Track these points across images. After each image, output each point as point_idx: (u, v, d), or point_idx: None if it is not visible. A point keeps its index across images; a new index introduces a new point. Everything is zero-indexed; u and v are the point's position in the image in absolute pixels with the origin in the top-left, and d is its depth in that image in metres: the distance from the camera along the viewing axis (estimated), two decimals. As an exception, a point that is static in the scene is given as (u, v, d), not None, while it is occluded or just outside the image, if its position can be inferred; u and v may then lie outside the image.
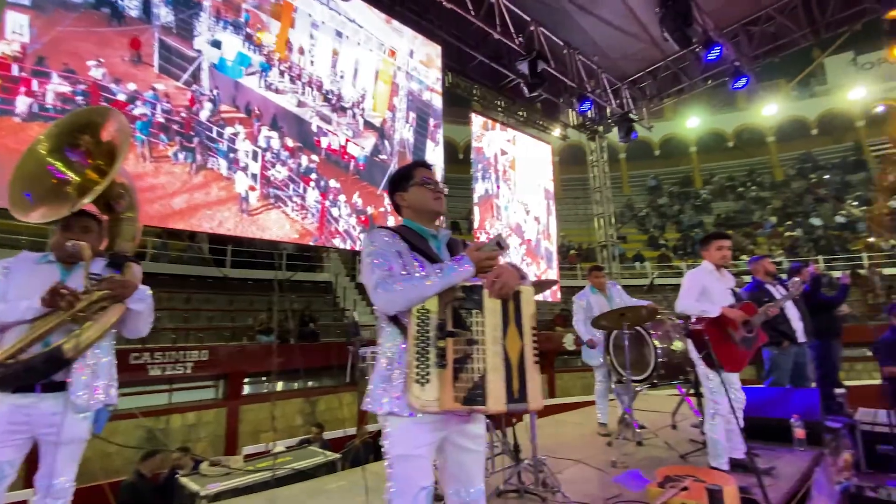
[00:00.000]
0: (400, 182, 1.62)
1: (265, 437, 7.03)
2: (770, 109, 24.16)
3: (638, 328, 3.81)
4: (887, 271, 14.37)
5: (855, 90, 23.27)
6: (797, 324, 3.99)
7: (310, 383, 8.69)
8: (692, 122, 26.01)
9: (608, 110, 8.50)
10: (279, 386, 8.33)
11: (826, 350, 4.30)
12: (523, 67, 6.10)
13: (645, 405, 5.20)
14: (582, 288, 4.52)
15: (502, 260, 1.45)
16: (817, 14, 6.28)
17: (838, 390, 4.37)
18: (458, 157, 22.63)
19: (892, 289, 13.30)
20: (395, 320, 1.41)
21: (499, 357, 1.31)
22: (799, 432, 3.24)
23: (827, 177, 22.69)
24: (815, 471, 2.92)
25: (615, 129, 9.58)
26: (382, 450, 1.40)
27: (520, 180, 8.53)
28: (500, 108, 8.00)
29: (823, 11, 6.24)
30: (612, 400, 4.38)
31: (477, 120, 7.34)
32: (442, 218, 1.67)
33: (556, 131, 9.56)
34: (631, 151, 27.91)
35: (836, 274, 5.04)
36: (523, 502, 2.51)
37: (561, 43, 6.83)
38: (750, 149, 26.27)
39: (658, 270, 16.19)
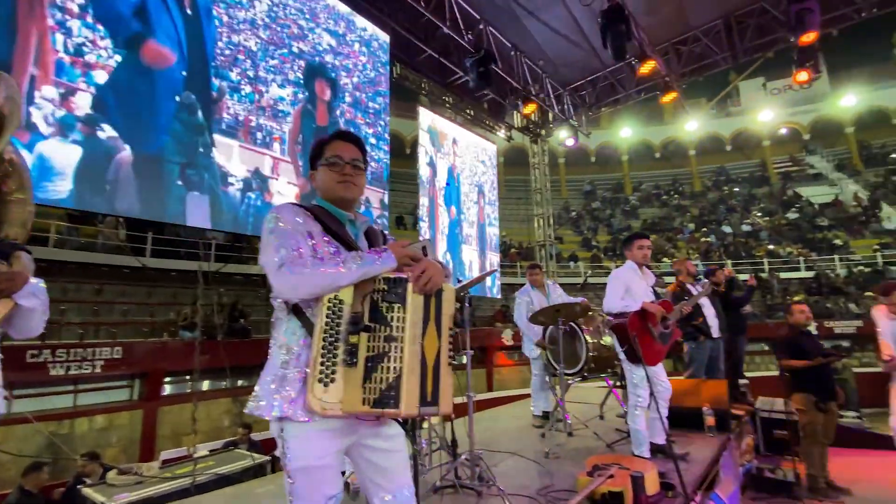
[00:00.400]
0: (312, 159, 1.47)
1: (188, 441, 6.54)
2: (692, 125, 26.51)
3: (572, 324, 3.98)
4: (783, 275, 16.29)
5: (763, 112, 26.11)
6: (713, 321, 4.38)
7: (240, 382, 8.21)
8: (625, 133, 27.86)
9: (550, 115, 8.80)
10: (205, 385, 7.78)
11: (733, 345, 4.75)
12: (471, 65, 6.14)
13: (577, 397, 5.47)
14: (523, 285, 4.66)
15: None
16: (736, 40, 6.93)
17: (742, 381, 4.85)
18: (405, 151, 22.43)
19: (786, 291, 15.10)
20: (298, 311, 1.27)
21: (416, 357, 1.21)
22: (710, 419, 3.55)
23: (737, 189, 25.22)
24: (723, 454, 3.21)
25: (557, 134, 10.01)
26: (281, 461, 1.24)
27: (465, 178, 8.63)
28: (447, 105, 8.00)
29: (742, 38, 6.89)
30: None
31: (425, 114, 7.29)
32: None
33: (502, 132, 9.76)
34: (569, 157, 29.26)
35: (743, 277, 5.60)
36: (459, 497, 2.51)
37: (508, 44, 6.95)
38: (674, 160, 28.60)
39: (591, 270, 17.11)
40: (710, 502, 2.67)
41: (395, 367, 1.17)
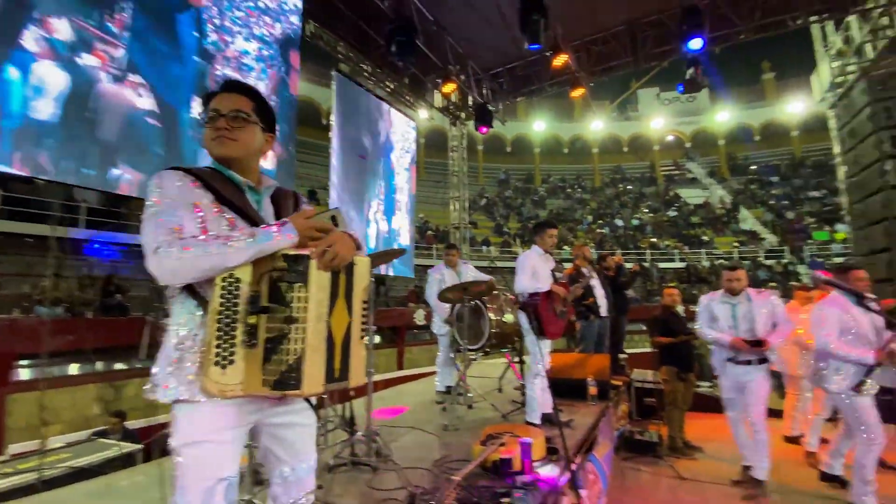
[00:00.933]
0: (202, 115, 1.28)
1: (52, 431, 5.64)
2: (596, 125, 28.83)
3: (477, 301, 4.09)
4: (661, 265, 18.57)
5: (656, 120, 29.15)
6: (602, 301, 4.81)
7: (116, 365, 7.24)
8: (538, 126, 29.31)
9: (471, 99, 8.86)
10: (73, 369, 6.74)
11: (617, 323, 5.28)
12: (391, 32, 5.89)
13: (478, 371, 5.70)
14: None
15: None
16: (639, 46, 7.54)
17: (622, 355, 5.43)
18: (322, 122, 21.26)
19: (662, 278, 17.25)
20: (191, 290, 1.13)
21: (321, 336, 1.13)
22: (592, 390, 3.91)
23: (630, 187, 28.04)
24: (601, 420, 3.56)
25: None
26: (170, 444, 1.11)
27: (396, 141, 8.37)
28: (367, 74, 7.63)
29: (644, 44, 7.52)
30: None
31: (342, 81, 6.87)
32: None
33: (424, 112, 9.64)
34: (487, 145, 30.09)
35: (629, 264, 6.28)
36: (355, 473, 2.47)
37: (432, 18, 6.80)
38: (580, 156, 30.86)
39: (501, 254, 17.93)
40: (589, 463, 2.94)
41: (296, 349, 1.08)
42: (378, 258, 2.93)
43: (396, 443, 3.02)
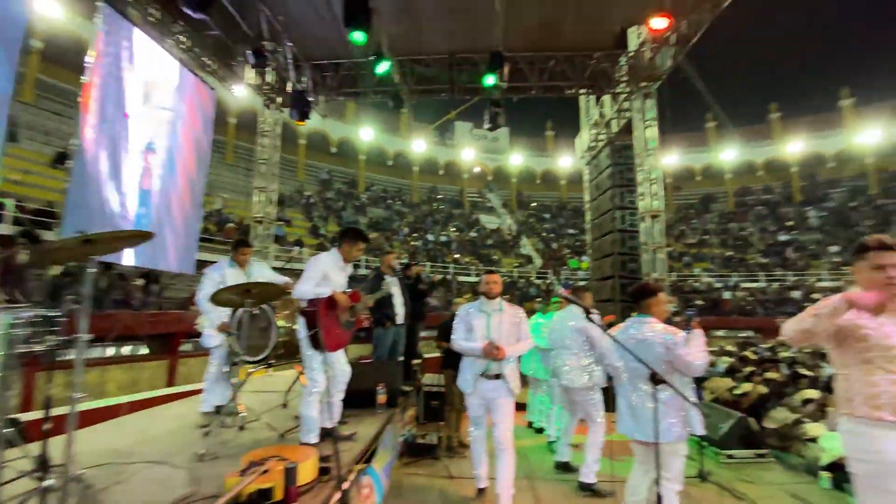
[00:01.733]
0: None
1: None
2: (418, 145, 30.70)
3: (263, 306, 3.61)
4: (461, 279, 20.66)
5: (467, 151, 32.70)
6: (400, 309, 4.86)
7: None
8: (366, 134, 29.43)
9: (289, 85, 8.16)
10: None
11: (412, 329, 5.44)
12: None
13: (262, 385, 5.09)
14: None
15: None
16: (455, 77, 8.24)
17: (416, 361, 5.62)
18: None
19: (460, 291, 19.17)
20: None
21: None
22: (381, 398, 3.87)
23: (442, 207, 30.62)
24: (385, 429, 3.52)
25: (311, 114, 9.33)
26: None
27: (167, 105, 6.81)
28: (153, 19, 6.18)
29: (460, 76, 8.25)
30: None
31: (112, 17, 5.34)
32: None
33: (235, 89, 8.42)
34: (311, 141, 28.62)
35: (432, 274, 6.66)
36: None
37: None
38: (402, 171, 32.20)
39: (312, 256, 17.02)
40: (366, 477, 2.83)
41: None
42: (114, 241, 2.18)
43: (124, 484, 2.33)
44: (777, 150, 29.51)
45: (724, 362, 7.97)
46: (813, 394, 5.45)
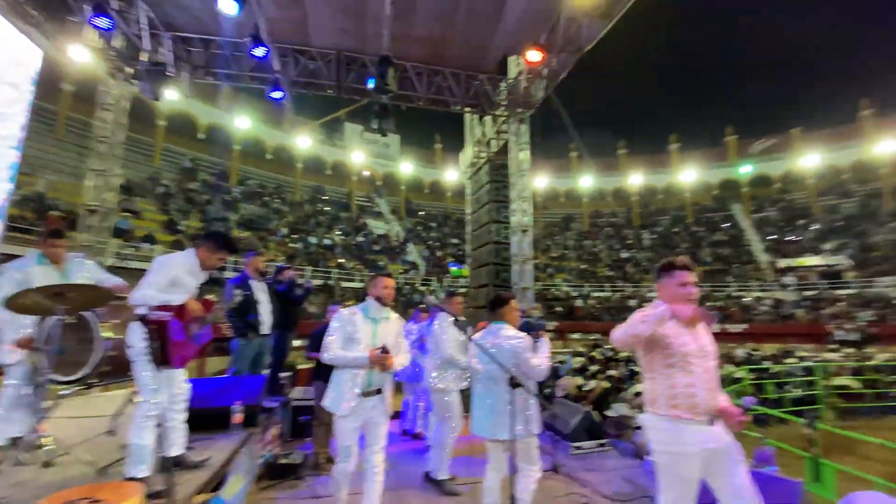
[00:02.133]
0: None
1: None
2: (302, 141, 29.04)
3: (86, 314, 2.99)
4: (344, 284, 20.00)
5: (356, 154, 31.97)
6: (266, 318, 4.45)
7: None
8: (242, 123, 26.84)
9: (144, 55, 7.00)
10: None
11: (281, 339, 5.04)
12: None
13: (83, 409, 4.21)
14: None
15: None
16: (343, 75, 7.98)
17: (284, 374, 5.20)
18: None
19: (344, 296, 18.52)
20: None
21: None
22: (237, 417, 3.48)
23: (328, 209, 29.39)
24: (240, 452, 3.16)
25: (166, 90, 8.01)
26: None
27: None
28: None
29: (348, 75, 8.01)
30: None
31: None
32: None
33: (72, 50, 6.93)
34: (174, 123, 25.17)
35: (312, 279, 6.27)
36: None
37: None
38: (283, 167, 30.11)
39: (161, 256, 14.86)
40: (210, 508, 2.49)
41: None
42: None
43: None
44: (622, 181, 34.98)
45: (577, 362, 9.01)
46: (642, 387, 6.47)
